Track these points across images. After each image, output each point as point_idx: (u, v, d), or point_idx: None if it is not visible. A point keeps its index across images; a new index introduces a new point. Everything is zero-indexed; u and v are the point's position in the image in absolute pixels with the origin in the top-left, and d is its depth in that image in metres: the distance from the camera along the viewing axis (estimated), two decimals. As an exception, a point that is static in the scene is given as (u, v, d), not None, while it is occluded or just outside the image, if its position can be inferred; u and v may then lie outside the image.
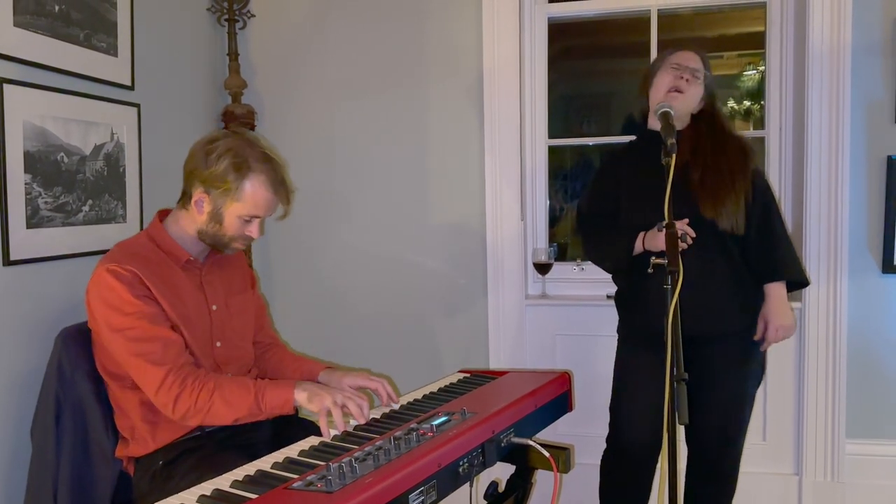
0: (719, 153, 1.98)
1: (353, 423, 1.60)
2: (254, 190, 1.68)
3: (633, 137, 2.24)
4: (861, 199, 2.50)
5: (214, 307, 1.79)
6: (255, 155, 1.70)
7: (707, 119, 2.05)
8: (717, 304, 1.94)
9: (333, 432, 1.55)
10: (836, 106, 2.45)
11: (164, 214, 1.79)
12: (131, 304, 1.59)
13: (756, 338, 2.03)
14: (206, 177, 1.68)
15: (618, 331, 2.20)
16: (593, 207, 2.17)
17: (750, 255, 2.00)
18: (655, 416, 2.01)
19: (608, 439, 2.16)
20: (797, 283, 2.06)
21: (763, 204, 2.00)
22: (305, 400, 1.60)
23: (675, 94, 1.97)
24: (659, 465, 2.04)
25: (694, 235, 1.85)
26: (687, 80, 1.99)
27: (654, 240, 1.92)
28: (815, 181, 2.48)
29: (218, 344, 1.78)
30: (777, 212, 2.05)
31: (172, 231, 1.75)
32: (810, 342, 2.52)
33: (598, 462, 2.21)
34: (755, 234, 1.99)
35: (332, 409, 1.56)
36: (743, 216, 1.94)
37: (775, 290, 2.01)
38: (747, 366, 2.02)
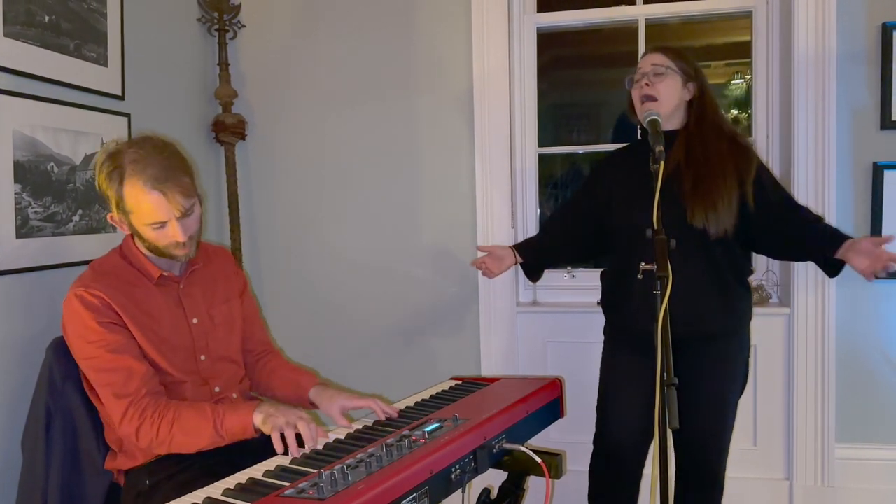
0: (711, 157, 1.96)
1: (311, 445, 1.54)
2: (134, 197, 1.57)
3: (623, 145, 2.26)
4: (847, 205, 2.53)
5: (195, 321, 1.75)
6: (129, 157, 1.57)
7: (696, 114, 2.02)
8: (698, 306, 1.94)
9: (280, 458, 1.48)
10: (822, 113, 2.47)
11: None
12: (95, 332, 1.57)
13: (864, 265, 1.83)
14: (102, 195, 1.63)
15: (604, 331, 2.22)
16: (565, 206, 2.31)
17: (806, 242, 1.97)
18: (639, 415, 2.04)
19: (594, 440, 2.17)
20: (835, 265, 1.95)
21: (785, 198, 2.01)
22: (261, 422, 1.54)
23: (649, 104, 1.98)
24: (649, 472, 2.05)
25: None
26: (648, 84, 1.99)
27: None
28: (803, 188, 2.50)
29: (202, 358, 1.75)
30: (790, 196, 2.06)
31: (142, 247, 1.70)
32: (799, 347, 2.53)
33: (588, 474, 2.21)
34: (803, 222, 1.97)
35: (284, 429, 1.49)
36: (733, 220, 1.93)
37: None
38: (728, 368, 2.02)
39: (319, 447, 1.52)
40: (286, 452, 1.49)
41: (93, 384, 1.61)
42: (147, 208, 1.57)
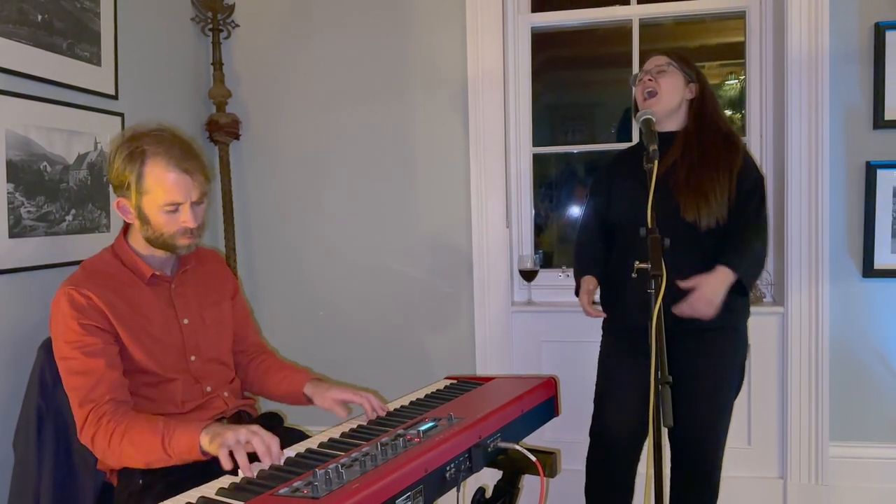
0: (707, 151, 1.99)
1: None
2: (154, 175, 1.59)
3: (616, 146, 2.27)
4: (841, 204, 2.54)
5: (186, 321, 1.75)
6: (150, 139, 1.62)
7: (695, 113, 2.07)
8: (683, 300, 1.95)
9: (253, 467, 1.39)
10: (815, 113, 2.48)
11: (128, 228, 1.74)
12: (74, 333, 1.56)
13: (682, 285, 1.93)
14: (114, 180, 1.64)
15: (602, 326, 2.24)
16: (586, 216, 2.28)
17: (724, 240, 1.98)
18: (635, 410, 2.04)
19: (591, 433, 2.19)
20: (741, 285, 1.96)
21: (746, 199, 1.98)
22: (207, 443, 1.43)
23: (650, 101, 2.03)
24: (644, 469, 2.05)
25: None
26: (651, 80, 2.04)
27: (583, 294, 2.14)
28: (796, 187, 2.51)
29: (192, 358, 1.75)
30: (758, 206, 2.01)
31: (133, 245, 1.71)
32: (793, 346, 2.54)
33: (584, 467, 2.22)
34: (729, 225, 1.97)
35: (234, 448, 1.39)
36: (724, 212, 1.95)
37: (722, 272, 1.92)
38: (723, 365, 2.02)
39: (312, 447, 1.52)
40: (235, 472, 1.40)
41: (64, 387, 1.59)
42: (167, 187, 1.60)
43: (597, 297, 2.26)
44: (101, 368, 1.55)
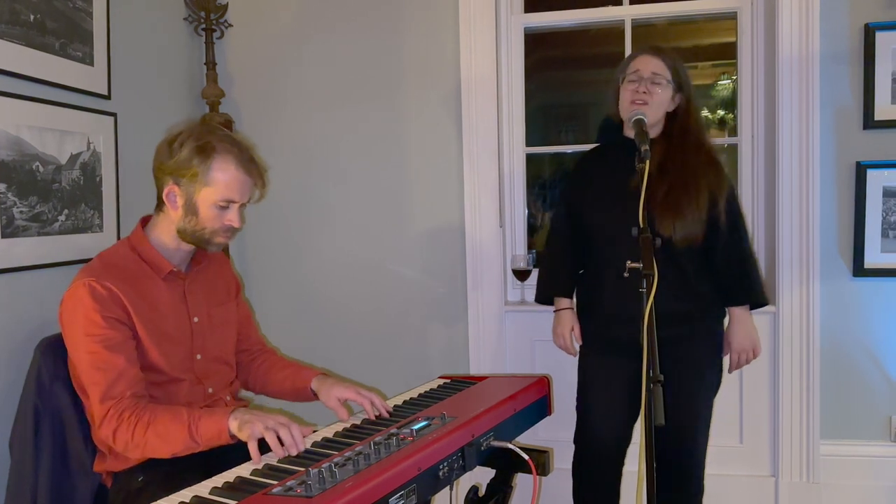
0: (687, 169, 1.98)
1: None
2: (222, 171, 1.64)
3: (592, 146, 2.28)
4: (831, 204, 2.55)
5: (196, 319, 1.76)
6: (219, 137, 1.68)
7: (680, 126, 2.05)
8: (659, 310, 1.94)
9: (265, 459, 1.44)
10: (806, 113, 2.50)
11: (146, 221, 1.75)
12: (96, 326, 1.55)
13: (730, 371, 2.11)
14: (172, 167, 1.64)
15: (581, 335, 2.23)
16: (559, 224, 2.26)
17: (717, 277, 2.04)
18: (619, 416, 2.07)
19: (575, 441, 2.20)
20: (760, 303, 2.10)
21: (731, 223, 2.02)
22: (236, 429, 1.49)
23: (638, 106, 1.99)
24: (631, 469, 2.06)
25: None
26: (646, 91, 1.99)
27: (557, 324, 2.24)
28: (787, 187, 2.52)
29: (198, 356, 1.75)
30: (744, 229, 2.08)
31: (154, 239, 1.71)
32: (784, 345, 2.55)
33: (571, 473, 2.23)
34: (722, 256, 2.02)
35: (264, 434, 1.45)
36: (702, 231, 1.96)
37: (737, 314, 2.08)
38: (701, 363, 2.04)
39: (306, 446, 1.52)
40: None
41: (82, 381, 1.59)
42: (230, 184, 1.65)
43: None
44: (121, 364, 1.55)
